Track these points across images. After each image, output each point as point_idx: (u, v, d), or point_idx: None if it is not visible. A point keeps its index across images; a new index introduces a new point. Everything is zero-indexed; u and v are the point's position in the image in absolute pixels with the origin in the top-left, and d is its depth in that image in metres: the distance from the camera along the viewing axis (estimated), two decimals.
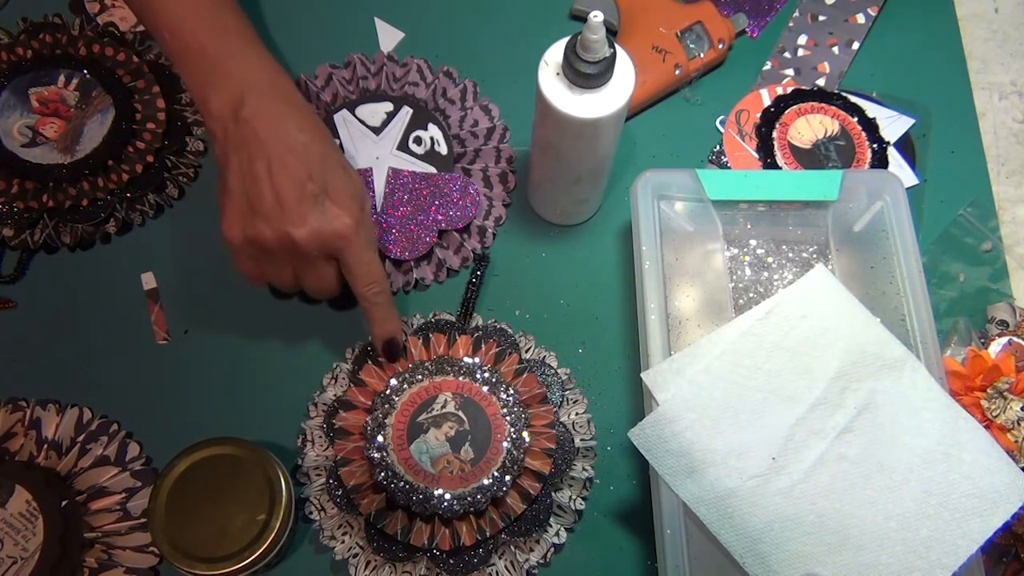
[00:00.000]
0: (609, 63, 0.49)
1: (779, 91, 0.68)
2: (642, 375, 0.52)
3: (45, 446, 0.55)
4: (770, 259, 0.59)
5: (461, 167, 0.64)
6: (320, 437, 0.56)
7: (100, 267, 0.62)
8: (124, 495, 0.55)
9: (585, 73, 0.48)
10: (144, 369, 0.60)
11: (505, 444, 0.52)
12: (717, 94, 0.68)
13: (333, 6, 0.71)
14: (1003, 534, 0.51)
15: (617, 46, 0.50)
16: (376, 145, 0.64)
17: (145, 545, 0.54)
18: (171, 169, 0.64)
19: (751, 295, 0.58)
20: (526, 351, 0.59)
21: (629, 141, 0.67)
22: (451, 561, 0.52)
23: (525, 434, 0.53)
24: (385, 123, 0.64)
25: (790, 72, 0.69)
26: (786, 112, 0.67)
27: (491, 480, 0.52)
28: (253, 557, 0.49)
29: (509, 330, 0.59)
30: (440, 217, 0.61)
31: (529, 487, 0.52)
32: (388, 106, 0.65)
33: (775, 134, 0.66)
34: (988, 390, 0.54)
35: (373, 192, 0.62)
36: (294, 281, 0.54)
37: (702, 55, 0.67)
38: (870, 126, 0.66)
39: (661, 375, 0.51)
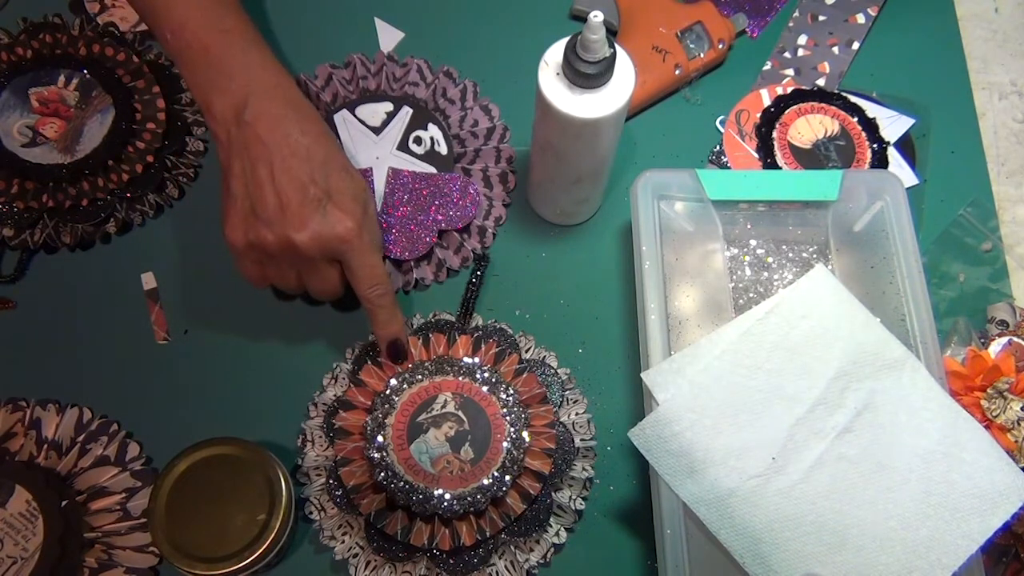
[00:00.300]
0: (609, 63, 0.49)
1: (779, 91, 0.68)
2: (642, 375, 0.52)
3: (45, 446, 0.55)
4: (770, 259, 0.59)
5: (461, 167, 0.64)
6: (320, 437, 0.56)
7: (100, 267, 0.62)
8: (124, 495, 0.55)
9: (585, 73, 0.48)
10: (144, 369, 0.60)
11: (505, 444, 0.52)
12: (717, 94, 0.68)
13: (333, 6, 0.71)
14: (1003, 534, 0.51)
15: (617, 46, 0.50)
16: (376, 145, 0.64)
17: (145, 545, 0.54)
18: (171, 169, 0.64)
19: (751, 295, 0.58)
20: (526, 351, 0.59)
21: (629, 141, 0.67)
22: (451, 561, 0.52)
23: (525, 434, 0.53)
24: (385, 123, 0.64)
25: (790, 72, 0.69)
26: (786, 112, 0.67)
27: (491, 480, 0.52)
28: (253, 557, 0.49)
29: (509, 330, 0.59)
30: (440, 217, 0.61)
31: (529, 487, 0.52)
32: (388, 106, 0.65)
33: (775, 134, 0.66)
34: (988, 390, 0.54)
35: (373, 192, 0.62)
36: (298, 284, 0.54)
37: (702, 55, 0.67)
38: (870, 126, 0.66)
39: (661, 375, 0.51)
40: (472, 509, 0.51)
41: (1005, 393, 0.53)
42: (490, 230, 0.63)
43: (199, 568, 0.49)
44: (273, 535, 0.50)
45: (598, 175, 0.58)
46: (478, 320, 0.60)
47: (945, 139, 0.68)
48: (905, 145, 0.67)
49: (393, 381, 0.54)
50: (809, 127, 0.66)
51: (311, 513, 0.55)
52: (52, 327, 0.61)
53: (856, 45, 0.70)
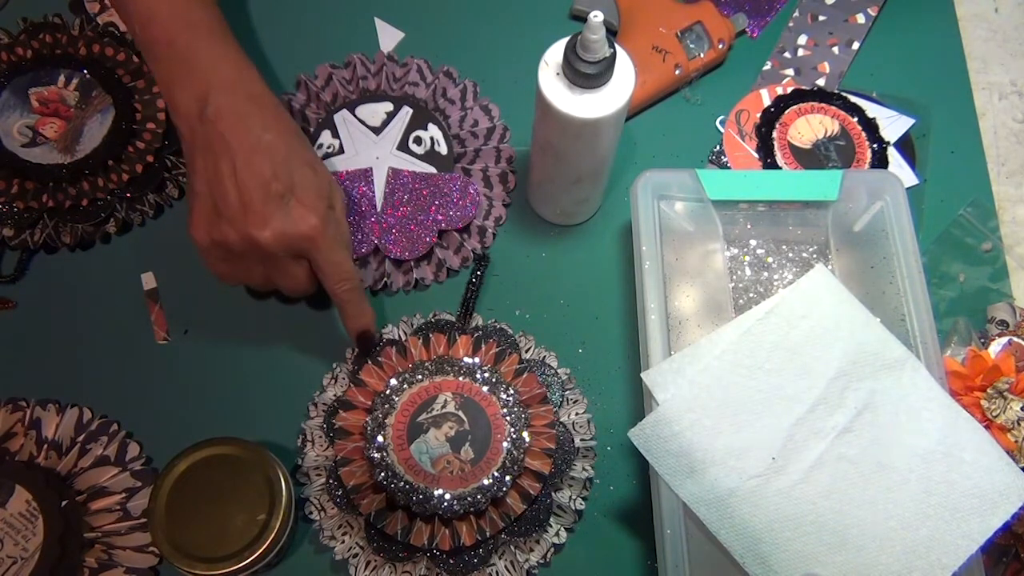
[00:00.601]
0: (609, 63, 0.49)
1: (779, 91, 0.68)
2: (642, 375, 0.52)
3: (45, 446, 0.55)
4: (770, 259, 0.59)
5: (461, 167, 0.64)
6: (320, 437, 0.56)
7: (100, 267, 0.62)
8: (124, 495, 0.55)
9: (585, 73, 0.48)
10: (144, 369, 0.60)
11: (505, 444, 0.52)
12: (717, 94, 0.68)
13: (333, 6, 0.71)
14: (1003, 534, 0.51)
15: (617, 46, 0.50)
16: (376, 145, 0.64)
17: (145, 545, 0.54)
18: (171, 169, 0.64)
19: (751, 295, 0.58)
20: (526, 351, 0.59)
21: (629, 141, 0.67)
22: (451, 561, 0.52)
23: (525, 434, 0.53)
24: (385, 123, 0.64)
25: (790, 72, 0.69)
26: (786, 112, 0.67)
27: (491, 480, 0.52)
28: (253, 557, 0.49)
29: (509, 330, 0.59)
30: (440, 217, 0.61)
31: (529, 487, 0.52)
32: (388, 106, 0.65)
33: (775, 134, 0.66)
34: (988, 390, 0.54)
35: (373, 192, 0.62)
36: (265, 281, 0.53)
37: (702, 55, 0.67)
38: (870, 126, 0.66)
39: (661, 375, 0.51)
40: (472, 509, 0.51)
41: (1005, 393, 0.53)
42: (490, 230, 0.63)
43: (199, 568, 0.49)
44: (273, 535, 0.50)
45: (598, 175, 0.58)
46: (478, 320, 0.60)
47: (945, 139, 0.68)
48: (905, 145, 0.67)
49: (393, 381, 0.54)
50: (809, 127, 0.66)
51: (311, 513, 0.55)
52: (52, 327, 0.61)
53: (856, 45, 0.70)
